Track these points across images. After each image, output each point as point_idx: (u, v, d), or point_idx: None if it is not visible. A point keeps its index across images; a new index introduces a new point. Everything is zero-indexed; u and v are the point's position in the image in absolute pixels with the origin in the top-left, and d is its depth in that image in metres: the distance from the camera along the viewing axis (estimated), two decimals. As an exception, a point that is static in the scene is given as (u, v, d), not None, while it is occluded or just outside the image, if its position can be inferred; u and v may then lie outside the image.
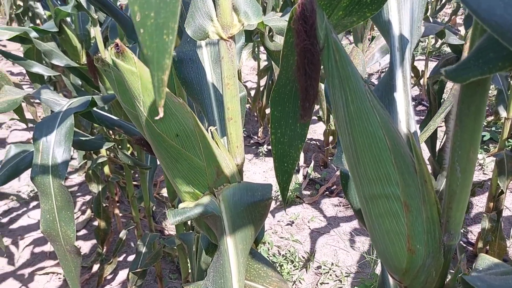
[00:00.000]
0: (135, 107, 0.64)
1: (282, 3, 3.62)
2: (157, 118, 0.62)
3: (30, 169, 1.25)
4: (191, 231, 1.66)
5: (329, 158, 4.07)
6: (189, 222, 1.72)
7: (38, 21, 3.85)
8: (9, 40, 1.84)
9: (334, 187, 3.71)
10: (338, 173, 3.83)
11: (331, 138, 3.91)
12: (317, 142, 4.39)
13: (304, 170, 3.91)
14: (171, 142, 0.66)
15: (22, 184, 3.80)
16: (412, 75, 4.78)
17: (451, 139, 0.49)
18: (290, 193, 3.54)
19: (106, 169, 2.66)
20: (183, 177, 0.70)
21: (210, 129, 0.73)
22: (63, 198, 1.11)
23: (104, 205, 2.76)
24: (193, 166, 0.69)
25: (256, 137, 4.56)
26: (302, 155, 4.00)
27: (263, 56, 5.52)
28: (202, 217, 0.70)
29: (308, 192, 3.69)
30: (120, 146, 2.23)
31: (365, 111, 0.49)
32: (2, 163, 1.41)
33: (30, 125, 2.42)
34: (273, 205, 3.48)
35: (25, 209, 3.51)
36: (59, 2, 2.22)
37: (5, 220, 3.36)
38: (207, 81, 0.88)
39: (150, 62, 0.29)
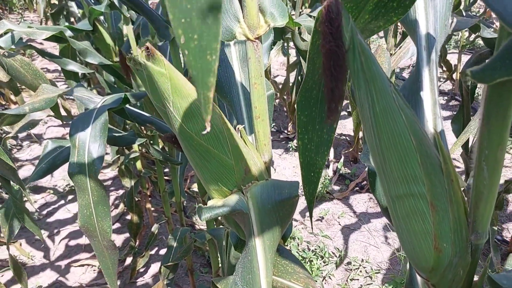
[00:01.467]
0: (165, 106, 0.66)
1: (311, -1, 3.61)
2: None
3: (65, 164, 1.29)
4: (221, 226, 1.68)
5: (359, 153, 4.03)
6: (219, 218, 1.74)
7: (72, 19, 3.95)
8: (45, 39, 1.90)
9: (365, 182, 3.67)
10: (368, 168, 3.78)
11: (360, 133, 3.87)
12: (347, 138, 4.36)
13: (334, 165, 3.88)
14: (200, 141, 0.68)
15: (58, 178, 3.92)
16: (445, 69, 4.67)
17: (478, 138, 0.49)
18: (320, 189, 3.52)
19: (139, 164, 2.71)
20: (211, 174, 0.72)
21: (238, 128, 0.75)
22: (99, 193, 1.14)
23: (137, 199, 2.83)
24: (221, 164, 0.71)
25: (286, 132, 4.56)
26: (332, 150, 3.98)
27: (293, 52, 5.51)
28: (231, 214, 0.72)
29: (338, 188, 3.67)
30: (151, 142, 2.27)
31: (391, 111, 0.49)
32: (39, 158, 1.47)
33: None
34: (302, 200, 3.47)
35: (62, 202, 3.63)
36: (92, 1, 2.27)
37: (42, 213, 3.49)
38: (235, 80, 0.89)
39: (196, 81, 0.31)
